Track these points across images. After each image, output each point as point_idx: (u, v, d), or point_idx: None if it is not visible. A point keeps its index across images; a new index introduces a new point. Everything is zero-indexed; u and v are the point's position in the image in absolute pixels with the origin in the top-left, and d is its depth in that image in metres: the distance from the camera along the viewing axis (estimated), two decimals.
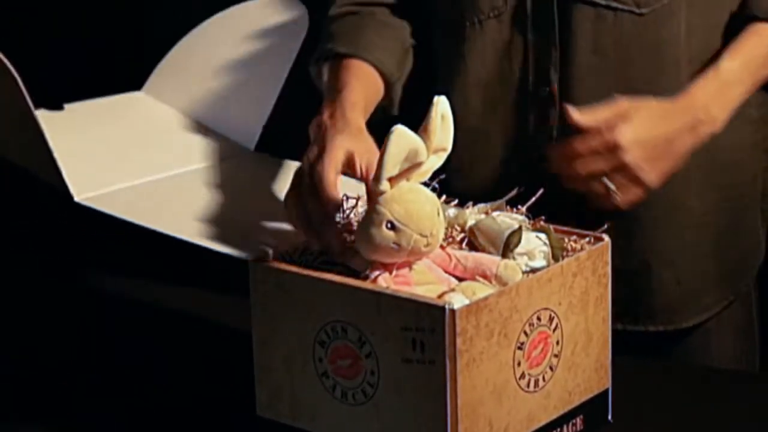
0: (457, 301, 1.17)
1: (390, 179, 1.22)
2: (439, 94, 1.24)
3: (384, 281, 1.22)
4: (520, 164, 1.54)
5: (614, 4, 1.49)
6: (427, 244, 1.22)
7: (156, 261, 1.76)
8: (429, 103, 1.24)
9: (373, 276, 1.23)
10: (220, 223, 1.36)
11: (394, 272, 1.24)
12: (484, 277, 1.25)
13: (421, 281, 1.25)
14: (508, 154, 1.55)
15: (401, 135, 1.19)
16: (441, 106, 1.23)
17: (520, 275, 1.25)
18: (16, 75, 1.37)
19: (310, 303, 1.24)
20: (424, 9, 1.60)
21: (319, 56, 1.57)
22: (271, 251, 1.28)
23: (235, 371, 1.40)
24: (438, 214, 1.23)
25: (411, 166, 1.22)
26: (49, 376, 1.56)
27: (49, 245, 2.09)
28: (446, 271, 1.28)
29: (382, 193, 1.22)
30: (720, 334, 1.61)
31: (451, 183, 1.41)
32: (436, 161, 1.26)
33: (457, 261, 1.27)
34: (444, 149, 1.26)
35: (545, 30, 1.51)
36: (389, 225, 1.22)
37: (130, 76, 1.86)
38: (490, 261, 1.26)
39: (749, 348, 1.66)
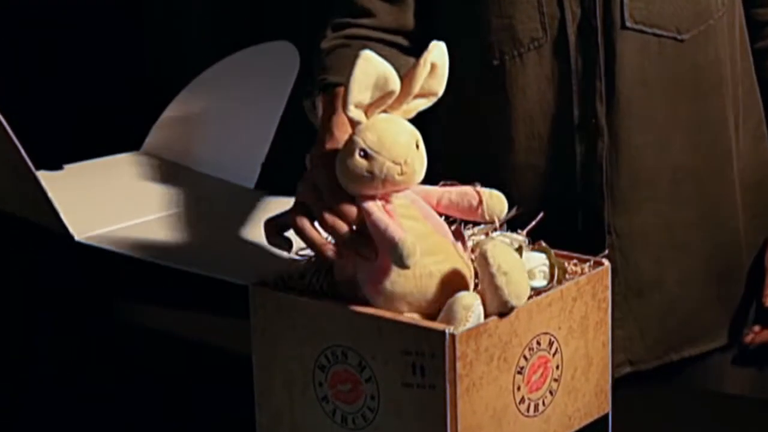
0: (469, 299, 1.17)
1: (366, 110, 1.21)
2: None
3: (376, 209, 1.20)
4: (570, 196, 1.53)
5: (658, 31, 1.49)
6: (401, 173, 1.20)
7: (157, 287, 1.76)
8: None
9: (364, 206, 1.21)
10: (220, 253, 1.37)
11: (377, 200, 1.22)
12: (470, 208, 1.24)
13: (405, 215, 1.23)
14: (556, 188, 1.53)
15: (367, 60, 1.18)
16: (435, 53, 1.21)
17: (506, 206, 1.24)
18: (6, 125, 1.39)
19: (310, 327, 1.24)
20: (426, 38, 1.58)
21: (312, 89, 1.55)
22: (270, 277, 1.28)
23: (235, 395, 1.40)
24: (416, 146, 1.21)
25: (383, 95, 1.20)
26: (50, 395, 1.56)
27: (50, 279, 2.10)
28: (429, 205, 1.26)
29: (357, 123, 1.21)
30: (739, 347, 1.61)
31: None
32: (424, 103, 1.24)
33: (440, 195, 1.26)
34: (434, 94, 1.24)
35: (589, 60, 1.50)
36: (362, 153, 1.20)
37: (128, 137, 1.90)
38: (473, 192, 1.25)
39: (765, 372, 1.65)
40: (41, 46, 2.61)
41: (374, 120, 1.22)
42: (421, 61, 1.21)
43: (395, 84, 1.20)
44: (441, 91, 1.25)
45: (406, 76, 1.22)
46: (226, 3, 2.62)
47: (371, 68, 1.19)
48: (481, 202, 1.25)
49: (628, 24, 1.49)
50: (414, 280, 1.21)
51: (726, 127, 1.55)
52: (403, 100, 1.23)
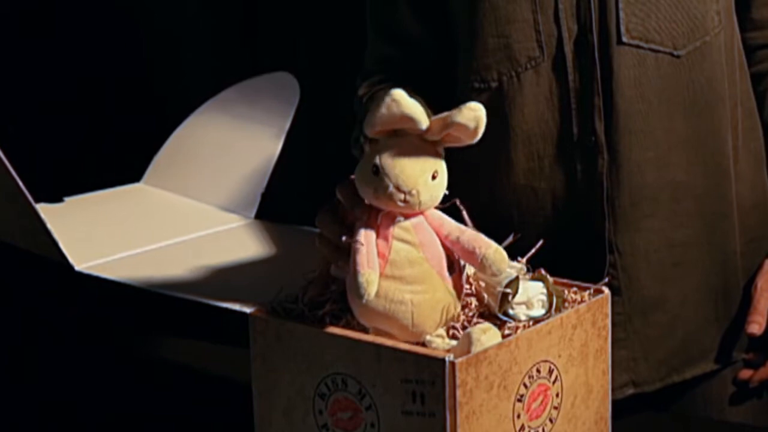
0: (482, 331, 1.18)
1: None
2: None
3: (363, 237, 1.20)
4: (571, 216, 1.53)
5: (655, 46, 1.50)
6: (404, 201, 1.21)
7: (157, 316, 1.77)
8: None
9: (358, 227, 1.21)
10: (220, 282, 1.37)
11: (380, 218, 1.22)
12: (472, 254, 1.23)
13: (400, 238, 1.22)
14: (557, 208, 1.53)
15: (396, 100, 1.18)
16: (464, 114, 1.20)
17: (506, 264, 1.23)
18: (4, 159, 1.39)
19: (310, 355, 1.24)
20: (448, 74, 1.59)
21: (357, 137, 1.56)
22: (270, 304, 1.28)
23: (235, 422, 1.39)
24: (432, 177, 1.21)
25: (409, 128, 1.20)
26: (49, 424, 1.56)
27: (49, 308, 2.10)
28: (438, 235, 1.24)
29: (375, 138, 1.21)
30: (735, 383, 1.60)
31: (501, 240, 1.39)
32: (452, 143, 1.23)
33: (451, 230, 1.24)
34: (462, 143, 1.22)
35: (587, 77, 1.50)
36: (374, 169, 1.21)
37: (129, 170, 1.90)
38: (484, 244, 1.23)
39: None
40: (38, 76, 2.62)
41: (399, 141, 1.21)
42: (448, 118, 1.20)
43: (423, 126, 1.20)
44: (470, 143, 1.22)
45: (437, 121, 1.20)
46: (226, 34, 2.63)
47: (396, 110, 1.18)
48: (485, 254, 1.24)
49: (625, 39, 1.49)
50: (385, 301, 1.21)
51: (724, 146, 1.55)
52: (431, 137, 1.22)
